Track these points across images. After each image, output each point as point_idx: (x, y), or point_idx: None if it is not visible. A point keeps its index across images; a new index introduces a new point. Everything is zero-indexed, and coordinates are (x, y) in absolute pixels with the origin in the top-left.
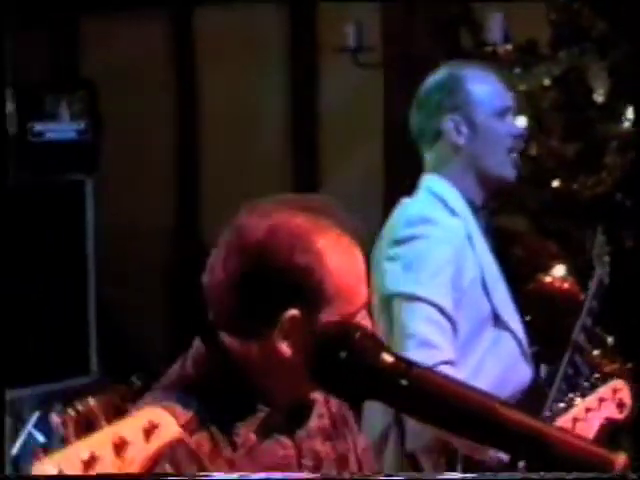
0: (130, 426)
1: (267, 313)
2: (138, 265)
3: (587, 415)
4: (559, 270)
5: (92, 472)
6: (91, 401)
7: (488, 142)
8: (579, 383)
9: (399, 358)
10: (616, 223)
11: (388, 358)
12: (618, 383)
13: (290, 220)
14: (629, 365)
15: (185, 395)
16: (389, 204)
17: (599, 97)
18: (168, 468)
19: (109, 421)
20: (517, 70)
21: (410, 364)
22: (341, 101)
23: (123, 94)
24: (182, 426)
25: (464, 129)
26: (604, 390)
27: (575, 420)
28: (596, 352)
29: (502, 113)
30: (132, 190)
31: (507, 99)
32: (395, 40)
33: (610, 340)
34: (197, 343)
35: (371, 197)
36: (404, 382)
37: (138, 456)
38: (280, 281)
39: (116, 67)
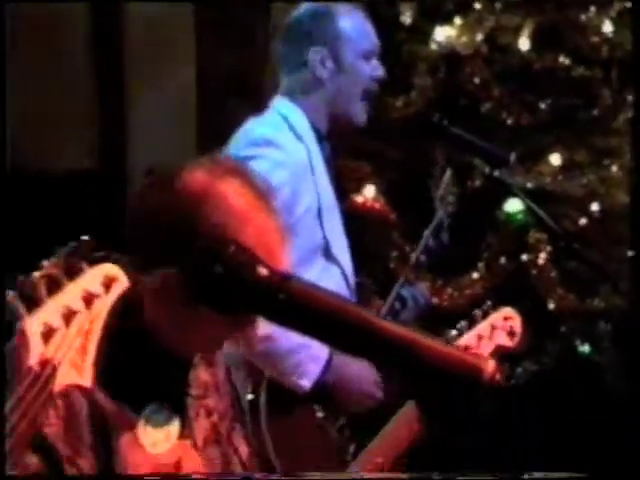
0: (91, 281)
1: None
2: None
3: (479, 343)
4: (370, 190)
5: (72, 324)
6: (47, 264)
7: (350, 81)
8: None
9: (275, 271)
10: (429, 144)
11: (263, 271)
12: (508, 311)
13: (232, 195)
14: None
15: None
16: (201, 130)
17: (407, 19)
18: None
19: (70, 278)
20: None
21: (286, 277)
22: (151, 27)
23: None
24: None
25: (329, 64)
26: (495, 317)
27: (467, 348)
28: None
29: (368, 55)
30: None
31: (374, 41)
32: None
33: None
34: None
35: (184, 116)
36: (282, 296)
37: (103, 308)
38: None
39: None
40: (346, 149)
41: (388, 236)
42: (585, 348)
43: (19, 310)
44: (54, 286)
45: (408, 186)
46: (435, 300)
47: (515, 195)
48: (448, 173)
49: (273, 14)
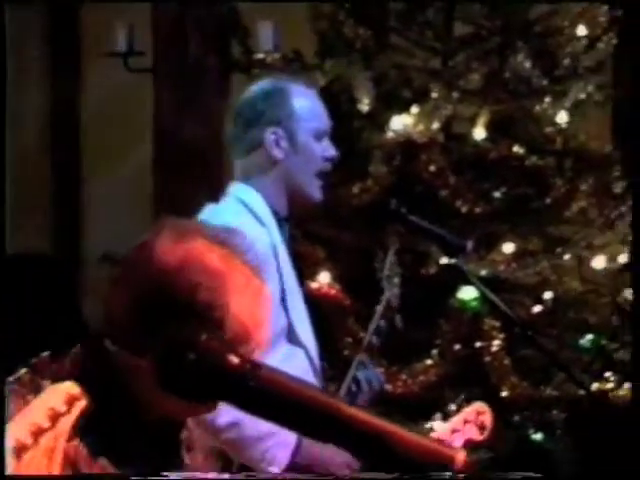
0: (55, 398)
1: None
2: None
3: (452, 436)
4: (325, 277)
5: (40, 441)
6: (11, 379)
7: (304, 161)
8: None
9: (245, 359)
10: (384, 231)
11: (234, 359)
12: (481, 406)
13: (204, 254)
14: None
15: None
16: (158, 205)
17: (364, 107)
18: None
19: (34, 394)
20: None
21: (256, 365)
22: (109, 104)
23: None
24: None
25: (284, 144)
26: (469, 412)
27: (440, 440)
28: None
29: (320, 135)
30: None
31: (326, 121)
32: (166, 45)
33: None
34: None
35: (140, 197)
36: (252, 383)
37: (66, 426)
38: (181, 311)
39: None
40: (302, 234)
41: (343, 322)
42: (538, 436)
43: None
44: (20, 401)
45: (362, 272)
46: (389, 386)
47: (470, 282)
48: (391, 253)
49: (232, 94)
